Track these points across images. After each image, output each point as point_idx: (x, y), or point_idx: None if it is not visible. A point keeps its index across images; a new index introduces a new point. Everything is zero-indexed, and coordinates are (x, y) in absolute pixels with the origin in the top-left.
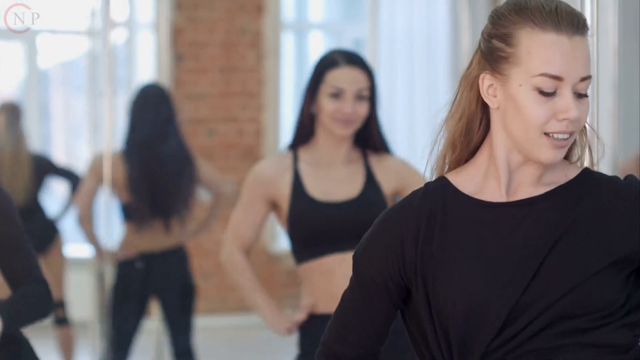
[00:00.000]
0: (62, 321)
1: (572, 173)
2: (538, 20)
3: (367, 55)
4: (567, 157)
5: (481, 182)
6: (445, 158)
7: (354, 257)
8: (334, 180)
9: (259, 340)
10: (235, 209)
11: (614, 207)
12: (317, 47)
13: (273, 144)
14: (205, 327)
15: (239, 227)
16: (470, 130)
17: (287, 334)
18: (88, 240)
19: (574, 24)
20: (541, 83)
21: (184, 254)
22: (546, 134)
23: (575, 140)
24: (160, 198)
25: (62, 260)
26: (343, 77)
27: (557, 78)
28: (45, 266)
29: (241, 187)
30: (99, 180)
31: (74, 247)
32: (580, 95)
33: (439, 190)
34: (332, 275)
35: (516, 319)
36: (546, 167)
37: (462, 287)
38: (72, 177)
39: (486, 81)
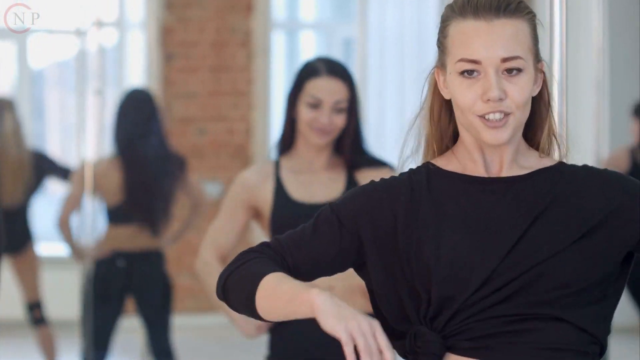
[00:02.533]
0: (40, 321)
1: (548, 163)
2: (460, 10)
3: (358, 55)
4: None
5: (462, 162)
6: (427, 153)
7: (330, 203)
8: (316, 183)
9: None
10: (216, 217)
11: (588, 187)
12: (308, 46)
13: (263, 142)
14: (194, 325)
15: (218, 234)
16: (442, 123)
17: (254, 335)
18: (66, 243)
19: (494, 7)
20: (462, 67)
21: (162, 255)
22: (479, 116)
23: (543, 139)
24: (146, 199)
25: (36, 262)
26: (322, 88)
27: (474, 62)
28: (19, 267)
29: (229, 186)
30: (83, 187)
31: (55, 246)
32: (510, 74)
33: (423, 170)
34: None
35: (492, 281)
36: (511, 147)
37: (447, 250)
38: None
39: (440, 75)
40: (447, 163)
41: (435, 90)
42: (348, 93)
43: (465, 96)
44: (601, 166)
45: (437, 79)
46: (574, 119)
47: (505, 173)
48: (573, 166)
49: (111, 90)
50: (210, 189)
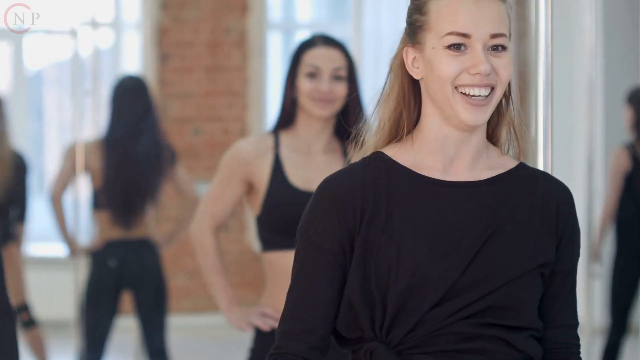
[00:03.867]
0: (29, 324)
1: (509, 164)
2: None
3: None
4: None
5: (418, 156)
6: (383, 137)
7: (300, 230)
8: (314, 168)
9: (246, 339)
10: (212, 184)
11: (545, 207)
12: None
13: None
14: (192, 325)
15: (214, 204)
16: (406, 108)
17: (239, 328)
18: (57, 221)
19: None
20: (450, 41)
21: (153, 245)
22: (462, 93)
23: (503, 133)
24: (132, 196)
25: (19, 263)
26: (319, 56)
27: (464, 35)
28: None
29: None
30: (74, 166)
31: (52, 246)
32: (496, 50)
33: (379, 162)
34: None
35: (452, 299)
36: (477, 140)
37: (405, 260)
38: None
39: (409, 54)
40: (401, 154)
41: (404, 72)
42: (346, 62)
43: (450, 67)
44: (603, 167)
45: (404, 59)
46: (567, 120)
47: (464, 173)
48: (534, 172)
49: (107, 90)
50: (206, 190)
